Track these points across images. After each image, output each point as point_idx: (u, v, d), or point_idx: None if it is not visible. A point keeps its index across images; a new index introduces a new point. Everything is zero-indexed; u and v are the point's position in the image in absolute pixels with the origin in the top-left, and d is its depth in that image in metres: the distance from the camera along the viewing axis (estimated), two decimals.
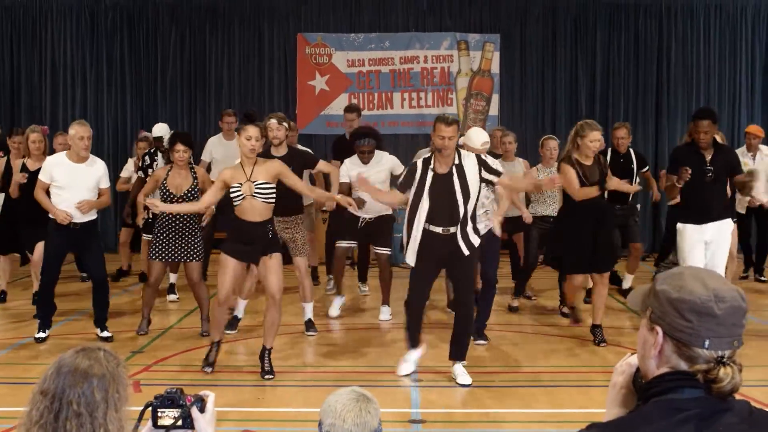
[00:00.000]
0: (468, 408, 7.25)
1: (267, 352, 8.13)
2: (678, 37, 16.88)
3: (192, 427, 2.99)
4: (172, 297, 11.73)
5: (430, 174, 7.78)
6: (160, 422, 2.97)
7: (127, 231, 13.18)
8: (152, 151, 11.83)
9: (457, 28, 16.81)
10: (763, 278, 13.15)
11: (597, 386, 7.55)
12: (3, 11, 16.76)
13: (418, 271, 7.99)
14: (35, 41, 16.75)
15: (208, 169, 11.89)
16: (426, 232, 7.77)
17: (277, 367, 8.26)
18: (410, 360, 8.16)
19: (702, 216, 8.98)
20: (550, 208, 10.77)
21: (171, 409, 2.97)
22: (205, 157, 11.93)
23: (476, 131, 9.26)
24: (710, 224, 9.00)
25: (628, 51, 16.90)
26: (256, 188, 7.86)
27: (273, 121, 9.47)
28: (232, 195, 7.91)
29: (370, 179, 9.91)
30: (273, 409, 7.20)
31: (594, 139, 8.82)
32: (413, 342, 8.17)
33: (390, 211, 10.52)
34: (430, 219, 7.76)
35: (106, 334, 9.49)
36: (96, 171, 9.33)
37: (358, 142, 10.37)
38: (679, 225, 9.13)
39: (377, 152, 10.39)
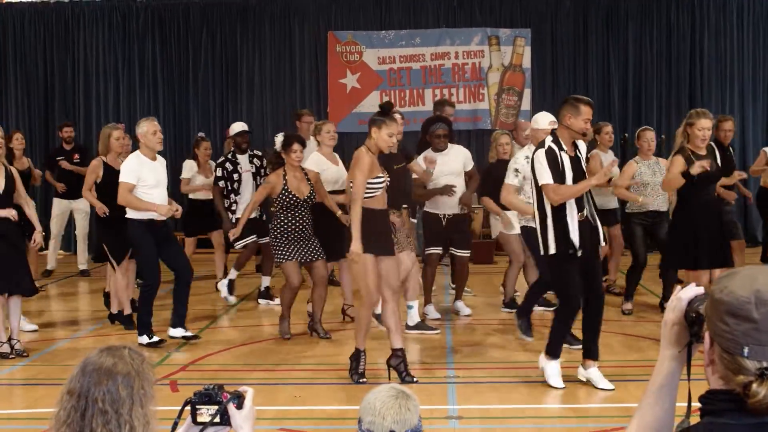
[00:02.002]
0: (504, 404, 7.23)
1: (400, 352, 7.84)
2: (711, 29, 16.74)
3: (230, 423, 3.00)
4: (264, 303, 11.47)
5: (566, 157, 7.34)
6: (199, 419, 2.99)
7: (192, 241, 12.75)
8: (230, 154, 11.70)
9: (488, 23, 16.76)
10: None
11: (634, 380, 7.49)
12: (36, 14, 16.89)
13: (573, 265, 7.40)
14: (68, 43, 16.87)
15: None
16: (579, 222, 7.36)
17: (315, 366, 8.28)
18: (555, 374, 7.60)
19: None
20: (656, 202, 10.33)
21: (208, 406, 2.98)
22: None
23: (542, 114, 9.29)
24: None
25: (660, 44, 16.78)
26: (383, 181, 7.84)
27: (398, 116, 9.35)
28: (376, 184, 7.71)
29: (446, 167, 9.92)
30: (310, 407, 7.22)
31: (702, 127, 8.53)
32: (559, 350, 7.68)
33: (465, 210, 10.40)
34: (577, 204, 7.40)
35: (189, 333, 9.31)
36: (163, 165, 9.34)
37: (432, 127, 10.19)
38: None
39: (450, 144, 10.24)
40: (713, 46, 16.73)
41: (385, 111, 7.84)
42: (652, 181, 10.14)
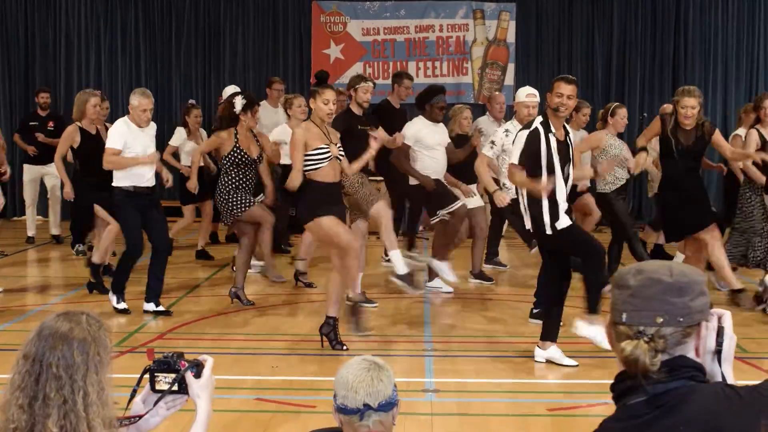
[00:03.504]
0: (482, 378, 7.25)
1: (332, 320, 7.94)
2: (695, 5, 16.75)
3: (188, 392, 2.99)
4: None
5: (553, 140, 7.26)
6: (157, 387, 2.98)
7: (191, 209, 12.62)
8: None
9: None
10: None
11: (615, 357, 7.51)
12: None
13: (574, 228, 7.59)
14: (49, 8, 16.74)
15: None
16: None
17: (292, 336, 8.28)
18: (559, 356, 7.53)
19: None
20: (622, 174, 10.35)
21: (167, 374, 2.97)
22: None
23: (523, 88, 9.48)
24: None
25: (645, 20, 16.78)
26: (340, 150, 7.86)
27: (370, 84, 9.36)
28: (316, 157, 7.71)
29: (439, 137, 9.99)
30: (288, 377, 7.21)
31: (685, 105, 8.64)
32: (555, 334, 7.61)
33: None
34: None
35: (161, 308, 9.14)
36: (153, 133, 9.25)
37: (434, 98, 10.03)
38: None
39: None
40: (697, 22, 16.75)
41: (322, 80, 8.06)
42: (619, 154, 10.16)
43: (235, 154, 9.31)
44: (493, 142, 9.31)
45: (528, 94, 9.23)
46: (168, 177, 9.59)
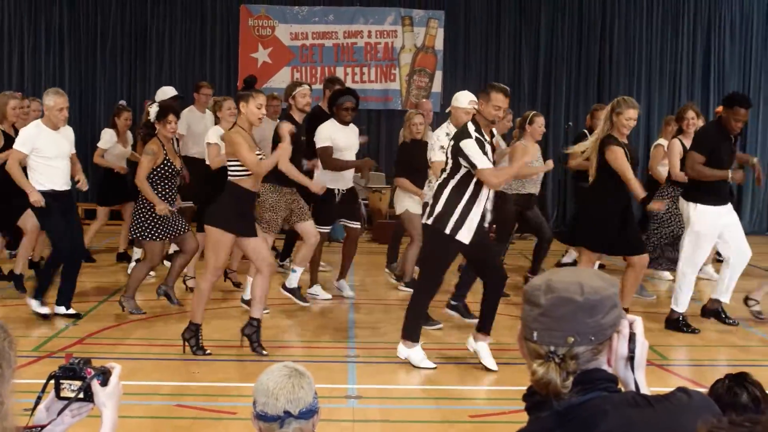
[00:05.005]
0: (404, 384, 7.24)
1: (256, 322, 7.91)
2: (621, 15, 17.01)
3: (93, 400, 2.91)
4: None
5: (488, 146, 7.34)
6: (62, 394, 2.90)
7: (105, 212, 12.39)
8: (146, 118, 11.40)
9: (402, 3, 16.78)
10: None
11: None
12: None
13: (451, 258, 7.60)
14: None
15: (178, 142, 11.75)
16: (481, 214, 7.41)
17: (212, 342, 8.20)
18: (420, 358, 7.61)
19: (725, 198, 9.08)
20: (533, 184, 10.49)
21: (72, 381, 2.89)
22: (181, 129, 11.53)
23: (463, 93, 9.38)
24: (726, 206, 9.08)
25: (571, 28, 16.99)
26: (260, 157, 7.76)
27: (306, 88, 9.37)
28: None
29: (349, 141, 9.94)
30: (208, 383, 7.14)
31: (629, 117, 8.44)
32: (418, 334, 7.68)
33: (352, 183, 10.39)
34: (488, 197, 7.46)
35: (72, 311, 9.02)
36: (71, 137, 9.09)
37: (340, 99, 10.01)
38: (700, 206, 8.95)
39: None
40: (622, 33, 17.01)
41: (250, 84, 7.91)
42: (538, 165, 10.25)
43: (165, 166, 9.08)
44: (442, 147, 9.14)
45: (471, 101, 9.17)
46: (83, 182, 9.35)
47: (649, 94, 17.04)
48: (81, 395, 2.88)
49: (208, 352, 7.81)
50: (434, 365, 7.53)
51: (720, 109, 10.30)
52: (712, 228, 8.94)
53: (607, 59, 17.01)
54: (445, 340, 8.56)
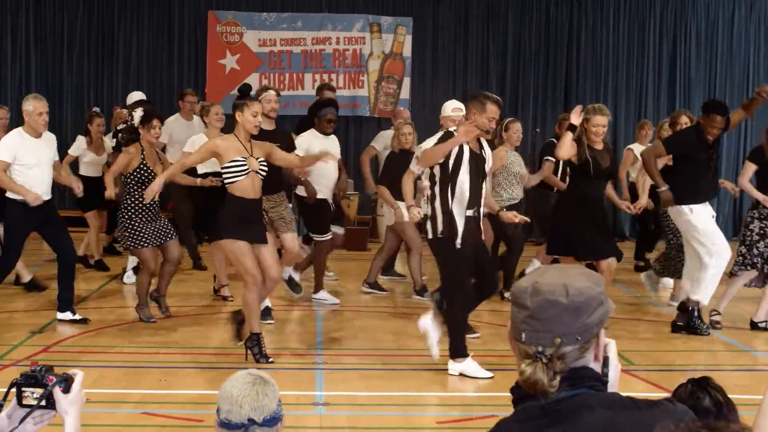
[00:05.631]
0: (371, 391, 7.24)
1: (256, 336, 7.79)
2: (588, 25, 17.11)
3: (56, 407, 2.90)
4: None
5: (467, 150, 7.38)
6: (24, 402, 2.88)
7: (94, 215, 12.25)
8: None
9: (370, 10, 16.79)
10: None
11: (506, 369, 7.50)
12: None
13: (465, 262, 7.50)
14: None
15: (163, 150, 11.65)
16: (466, 217, 7.41)
17: (181, 349, 8.16)
18: (474, 369, 7.48)
19: (707, 196, 9.15)
20: (518, 191, 10.45)
21: (34, 389, 2.88)
22: (164, 138, 11.18)
23: (450, 102, 9.40)
24: (709, 205, 9.18)
25: (539, 36, 17.08)
26: (261, 165, 7.67)
27: (272, 93, 9.29)
28: (233, 169, 7.56)
29: (332, 152, 9.86)
30: (175, 391, 7.11)
31: (596, 123, 8.57)
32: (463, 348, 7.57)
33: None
34: (470, 201, 7.44)
35: (78, 316, 9.04)
36: (53, 145, 9.03)
37: (322, 111, 10.02)
38: (685, 207, 9.02)
39: None
40: (589, 40, 17.12)
41: (245, 93, 7.85)
42: (520, 172, 10.27)
43: (142, 171, 8.97)
44: (418, 158, 9.07)
45: (454, 108, 9.13)
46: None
47: (616, 101, 17.14)
48: (43, 403, 2.86)
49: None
50: (491, 374, 7.36)
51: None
52: (709, 220, 9.05)
53: (574, 66, 17.11)
54: (412, 347, 8.55)
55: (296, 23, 16.61)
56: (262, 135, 8.37)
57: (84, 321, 9.04)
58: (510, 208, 10.17)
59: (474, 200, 7.45)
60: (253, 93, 8.32)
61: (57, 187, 9.47)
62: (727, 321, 9.64)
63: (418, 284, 10.70)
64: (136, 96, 11.91)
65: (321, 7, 16.76)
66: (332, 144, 10.03)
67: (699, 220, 9.01)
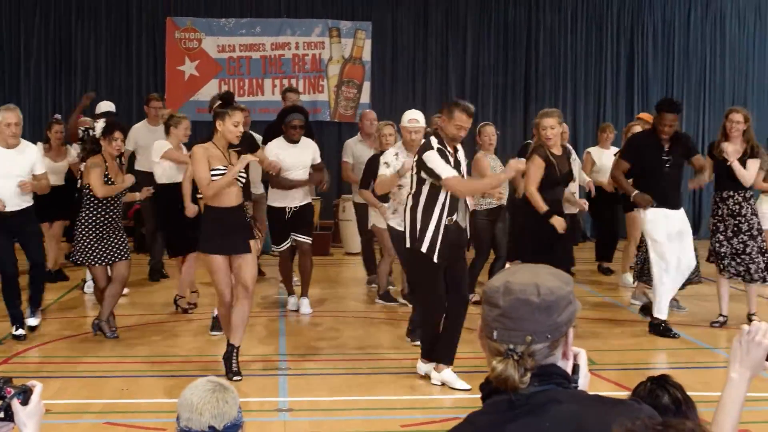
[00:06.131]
0: (335, 396, 7.23)
1: (235, 350, 7.58)
2: (546, 26, 17.20)
3: (14, 419, 2.87)
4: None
5: (450, 158, 7.28)
6: None
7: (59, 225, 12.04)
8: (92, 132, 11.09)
9: (329, 14, 16.77)
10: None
11: (473, 372, 7.50)
12: None
13: (439, 270, 7.42)
14: None
15: (133, 158, 11.53)
16: (445, 226, 7.32)
17: (143, 358, 8.11)
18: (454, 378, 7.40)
19: (672, 203, 9.03)
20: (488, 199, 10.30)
21: None
22: (129, 145, 11.25)
23: (408, 111, 9.17)
24: (670, 212, 9.02)
25: (498, 39, 17.14)
26: (240, 173, 7.52)
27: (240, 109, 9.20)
28: (215, 178, 7.41)
29: (297, 159, 9.81)
30: (137, 400, 7.06)
31: (545, 126, 8.41)
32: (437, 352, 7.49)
33: (309, 199, 10.27)
34: (450, 208, 7.36)
35: (34, 321, 9.02)
36: (29, 157, 8.86)
37: (288, 117, 9.93)
38: (642, 212, 9.06)
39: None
40: (548, 44, 17.20)
41: (227, 101, 7.66)
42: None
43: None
44: (386, 163, 9.00)
45: (410, 120, 8.93)
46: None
47: (575, 102, 17.25)
48: (1, 415, 2.83)
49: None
50: (469, 386, 7.19)
51: (641, 115, 10.45)
52: (663, 229, 9.00)
53: (533, 68, 17.19)
54: (375, 351, 8.56)
55: (255, 29, 16.56)
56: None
57: (23, 338, 8.84)
58: (490, 212, 10.23)
59: (453, 206, 7.36)
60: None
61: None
62: (689, 319, 9.73)
63: (383, 289, 10.70)
64: (104, 106, 11.78)
65: (280, 13, 16.72)
66: (301, 151, 9.97)
67: (651, 226, 9.05)
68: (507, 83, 17.17)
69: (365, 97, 16.72)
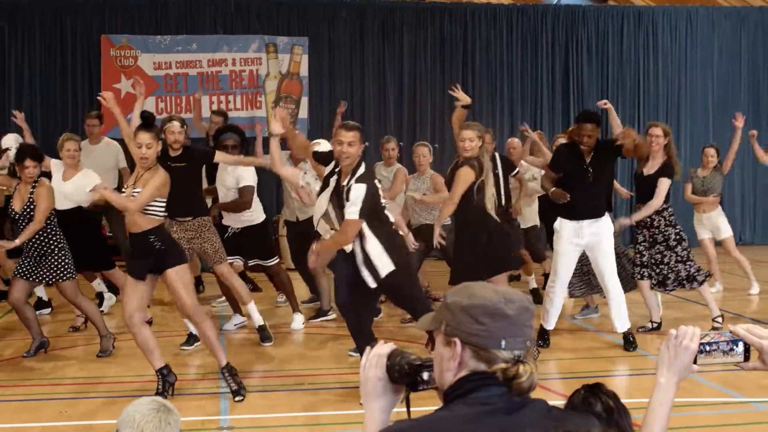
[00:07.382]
0: (277, 412, 7.21)
1: (223, 369, 7.60)
2: (482, 38, 17.37)
3: None
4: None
5: (332, 181, 7.26)
6: None
7: None
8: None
9: (266, 30, 16.77)
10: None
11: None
12: None
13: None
14: None
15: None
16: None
17: (83, 380, 8.03)
18: None
19: (578, 213, 9.02)
20: (432, 214, 10.40)
21: None
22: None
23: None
24: (585, 222, 8.99)
25: (434, 52, 17.27)
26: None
27: (176, 124, 9.02)
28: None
29: (233, 179, 9.80)
30: (77, 422, 6.99)
31: (463, 137, 8.35)
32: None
33: (260, 221, 10.17)
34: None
35: None
36: None
37: (222, 137, 9.84)
38: (559, 220, 9.13)
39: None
40: (484, 56, 17.37)
41: (146, 122, 7.37)
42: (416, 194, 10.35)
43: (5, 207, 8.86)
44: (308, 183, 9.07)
45: (313, 143, 8.99)
46: None
47: (512, 114, 17.43)
48: None
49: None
50: None
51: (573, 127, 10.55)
52: (568, 242, 9.04)
53: (469, 81, 17.32)
54: (315, 367, 8.55)
55: (191, 45, 16.50)
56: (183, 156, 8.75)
57: None
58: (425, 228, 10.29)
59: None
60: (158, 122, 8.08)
61: None
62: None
63: (326, 306, 10.68)
64: (7, 142, 11.43)
65: (216, 29, 16.70)
66: (236, 172, 9.92)
67: (556, 236, 9.16)
68: (444, 96, 17.22)
69: (303, 113, 16.74)
